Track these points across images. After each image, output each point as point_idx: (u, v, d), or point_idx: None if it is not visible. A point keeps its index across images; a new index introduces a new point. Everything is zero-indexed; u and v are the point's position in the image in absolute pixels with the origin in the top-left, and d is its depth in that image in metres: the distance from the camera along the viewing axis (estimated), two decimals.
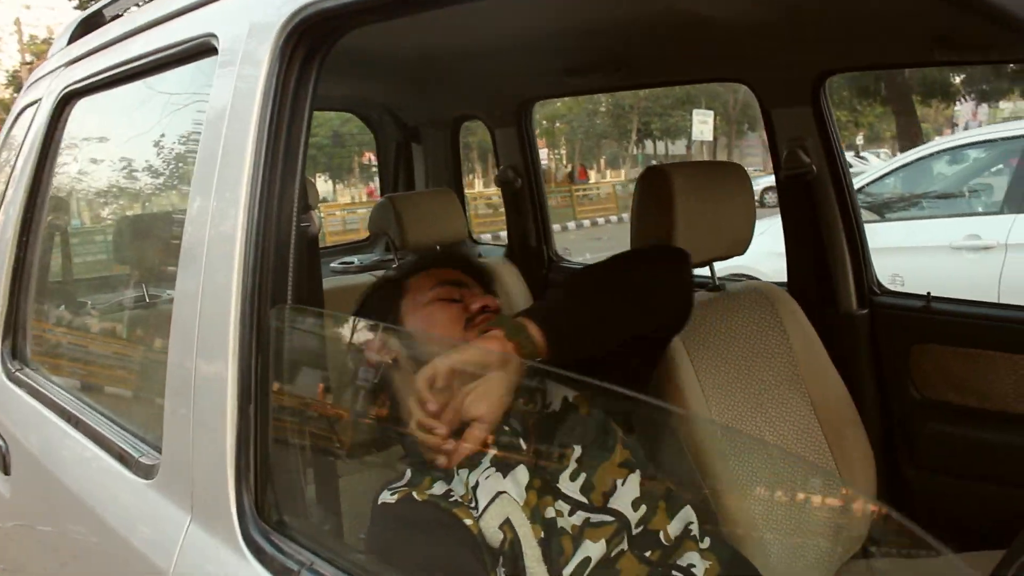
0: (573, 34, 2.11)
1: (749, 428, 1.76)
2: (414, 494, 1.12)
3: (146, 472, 1.20)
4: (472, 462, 1.13)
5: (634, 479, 1.21)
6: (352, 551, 1.11)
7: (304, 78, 1.07)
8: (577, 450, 1.20)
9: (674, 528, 1.21)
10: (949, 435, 2.03)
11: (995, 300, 3.81)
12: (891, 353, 2.14)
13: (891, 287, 2.26)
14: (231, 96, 1.12)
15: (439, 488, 1.13)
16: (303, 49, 1.06)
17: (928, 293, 2.10)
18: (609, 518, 1.16)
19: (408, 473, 1.17)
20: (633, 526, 1.17)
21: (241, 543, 0.96)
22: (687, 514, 1.24)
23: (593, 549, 1.12)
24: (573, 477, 1.18)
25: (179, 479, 1.10)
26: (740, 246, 1.81)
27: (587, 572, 1.10)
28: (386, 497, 1.13)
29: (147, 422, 1.32)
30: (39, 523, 1.68)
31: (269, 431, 0.99)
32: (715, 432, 1.69)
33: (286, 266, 1.03)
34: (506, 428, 1.17)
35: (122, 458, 1.29)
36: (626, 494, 1.19)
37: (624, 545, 1.15)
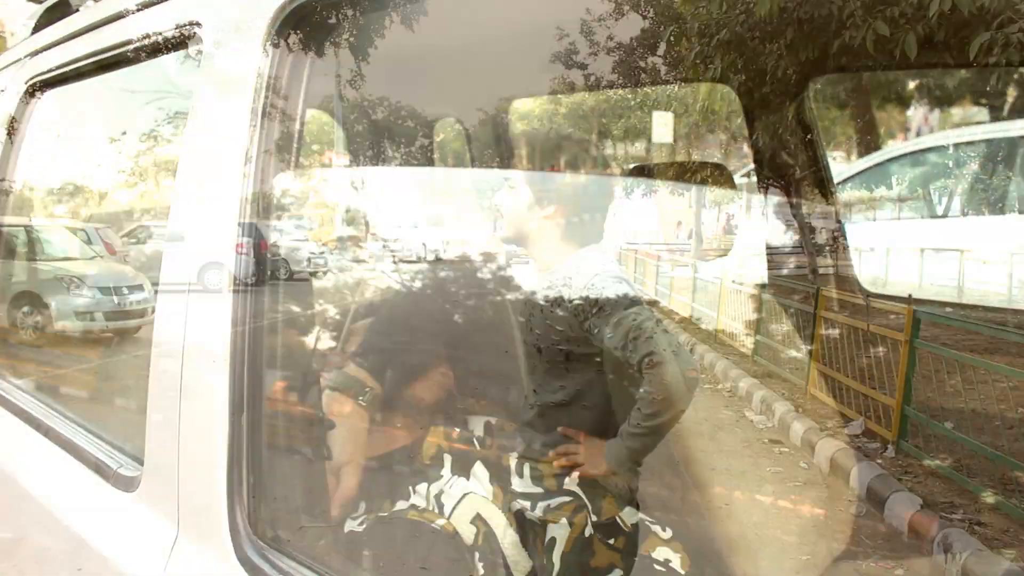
0: (555, 32, 2.07)
1: (736, 432, 1.74)
2: (379, 515, 1.15)
3: (126, 484, 1.12)
4: (431, 476, 1.18)
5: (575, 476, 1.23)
6: (355, 569, 1.06)
7: (298, 69, 1.01)
8: (513, 455, 1.22)
9: (628, 517, 1.21)
10: (937, 438, 2.03)
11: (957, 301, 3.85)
12: (877, 357, 2.13)
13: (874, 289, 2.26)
14: (218, 88, 1.05)
15: (401, 505, 1.16)
16: (298, 38, 1.00)
17: (910, 296, 2.11)
18: (567, 498, 1.18)
19: (362, 505, 1.20)
20: (591, 511, 1.18)
21: (236, 561, 0.89)
22: (632, 512, 1.24)
23: (557, 530, 1.15)
24: (519, 473, 1.19)
25: (164, 492, 1.03)
26: None
27: (555, 552, 1.13)
28: (352, 526, 1.14)
29: (124, 431, 1.25)
30: (4, 536, 1.58)
31: (263, 442, 0.93)
32: (702, 436, 1.67)
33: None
34: (455, 431, 1.22)
35: (98, 469, 1.21)
36: (572, 482, 1.21)
37: (590, 529, 1.16)
